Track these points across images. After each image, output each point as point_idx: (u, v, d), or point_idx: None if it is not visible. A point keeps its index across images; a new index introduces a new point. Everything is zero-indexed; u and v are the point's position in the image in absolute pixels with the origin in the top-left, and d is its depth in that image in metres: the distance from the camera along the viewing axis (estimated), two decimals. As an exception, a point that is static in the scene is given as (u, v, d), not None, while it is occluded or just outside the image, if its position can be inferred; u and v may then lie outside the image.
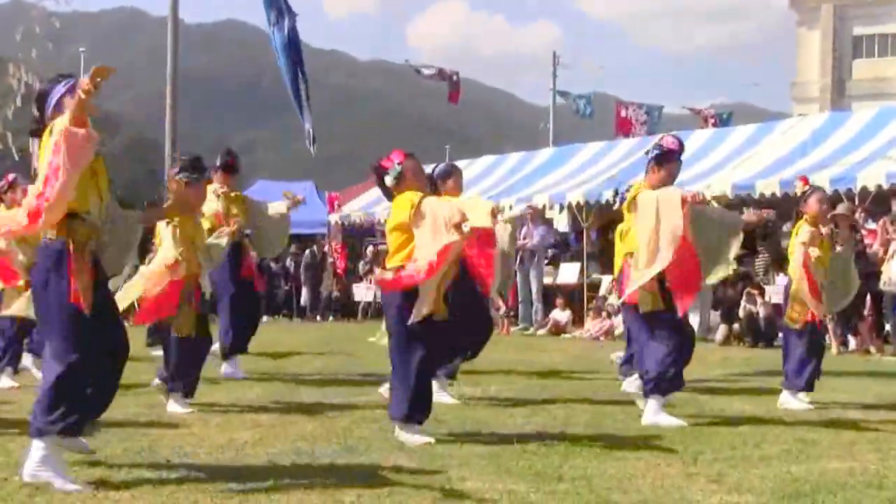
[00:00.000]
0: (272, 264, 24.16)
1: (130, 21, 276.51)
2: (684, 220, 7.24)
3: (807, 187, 8.80)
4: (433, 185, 8.68)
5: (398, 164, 6.75)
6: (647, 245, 7.30)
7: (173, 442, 6.37)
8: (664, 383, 7.33)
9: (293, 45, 17.55)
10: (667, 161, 7.71)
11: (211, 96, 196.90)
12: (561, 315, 18.36)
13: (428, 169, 7.42)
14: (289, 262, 24.59)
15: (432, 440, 6.42)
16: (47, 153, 5.08)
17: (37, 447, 5.13)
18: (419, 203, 6.48)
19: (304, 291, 23.89)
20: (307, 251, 24.44)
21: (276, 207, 10.51)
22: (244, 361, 10.67)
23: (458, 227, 6.27)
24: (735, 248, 7.62)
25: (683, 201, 7.27)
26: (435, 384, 8.13)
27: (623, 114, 37.59)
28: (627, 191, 7.85)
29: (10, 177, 10.21)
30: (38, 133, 5.44)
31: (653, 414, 7.31)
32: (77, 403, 5.15)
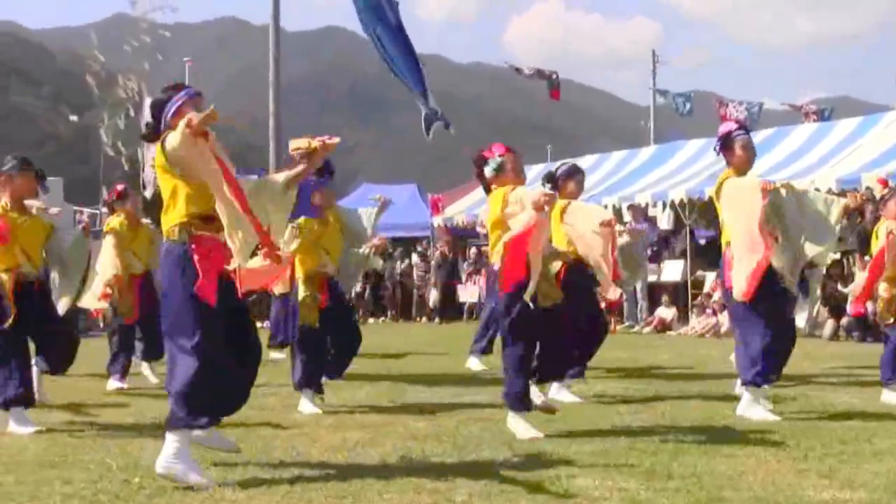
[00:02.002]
0: (379, 265, 24.43)
1: (232, 30, 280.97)
2: (762, 210, 7.14)
3: (886, 190, 8.61)
4: (554, 185, 8.83)
5: (499, 155, 6.85)
6: (741, 234, 7.25)
7: (286, 442, 6.50)
8: (758, 376, 7.29)
9: (403, 34, 17.64)
10: (729, 144, 7.59)
11: (312, 102, 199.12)
12: (666, 312, 18.26)
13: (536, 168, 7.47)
14: (398, 265, 24.74)
15: (541, 435, 6.48)
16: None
17: (170, 440, 5.27)
18: (508, 194, 6.54)
19: (434, 293, 23.74)
20: (414, 254, 24.61)
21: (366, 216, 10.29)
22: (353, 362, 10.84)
23: (538, 205, 6.20)
24: (837, 218, 7.47)
25: (763, 191, 7.18)
26: (555, 385, 8.25)
27: (723, 112, 37.12)
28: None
29: (120, 187, 10.53)
30: (151, 139, 5.67)
31: (746, 406, 7.29)
32: (210, 398, 5.30)
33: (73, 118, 79.49)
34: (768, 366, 7.31)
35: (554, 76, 37.87)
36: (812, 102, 43.20)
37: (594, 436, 6.62)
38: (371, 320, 24.21)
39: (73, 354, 7.88)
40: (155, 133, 5.62)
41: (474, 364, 11.40)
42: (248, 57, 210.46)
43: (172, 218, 5.43)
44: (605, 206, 20.65)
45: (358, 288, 24.80)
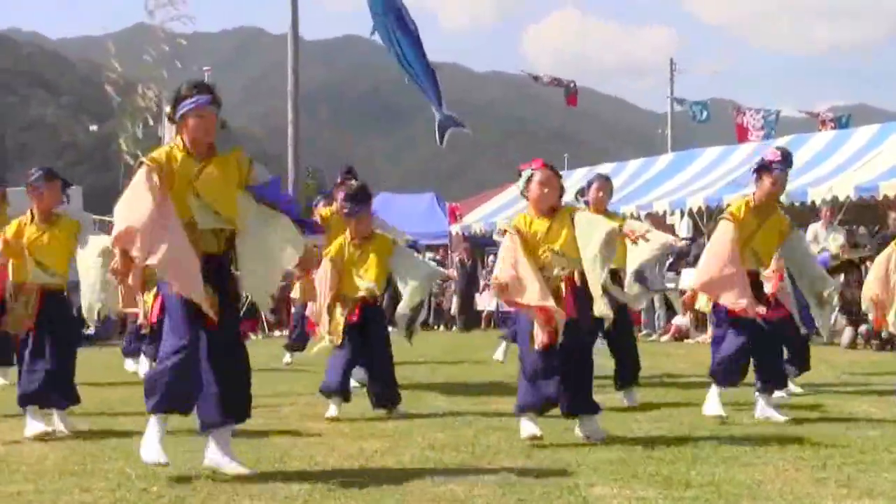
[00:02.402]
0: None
1: (251, 39, 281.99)
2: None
3: None
4: (580, 193, 9.08)
5: (531, 169, 6.90)
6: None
7: (304, 451, 6.51)
8: (719, 375, 7.68)
9: (419, 42, 17.73)
10: (768, 172, 7.70)
11: (330, 110, 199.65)
12: (683, 321, 18.22)
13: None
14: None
15: (538, 433, 6.65)
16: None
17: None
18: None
19: (453, 301, 23.74)
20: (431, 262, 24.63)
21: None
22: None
23: None
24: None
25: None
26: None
27: (740, 120, 37.07)
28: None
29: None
30: (171, 120, 6.04)
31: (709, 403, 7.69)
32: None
33: (93, 127, 79.94)
34: (728, 369, 7.65)
35: (571, 84, 37.93)
36: (829, 110, 43.03)
37: (612, 444, 6.62)
38: (389, 328, 24.22)
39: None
40: (170, 121, 6.03)
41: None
42: (266, 65, 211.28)
43: None
44: (623, 216, 20.67)
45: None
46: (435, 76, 17.22)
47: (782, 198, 16.93)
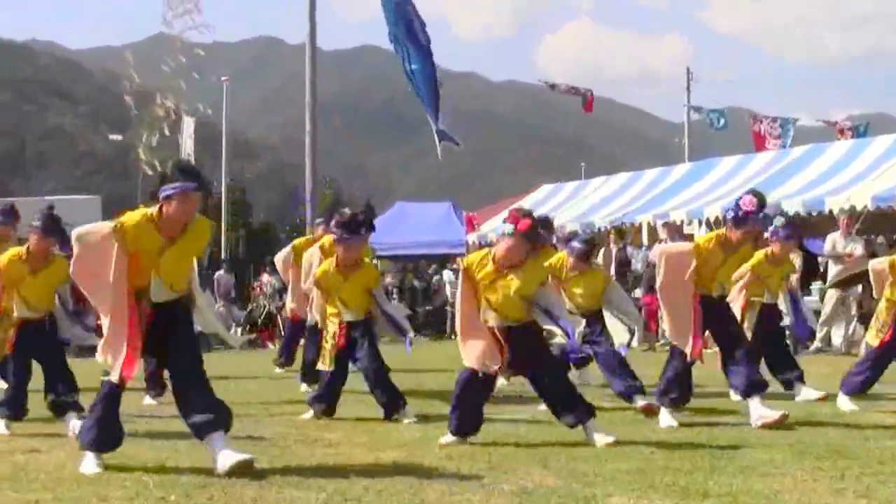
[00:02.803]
0: (416, 283, 24.51)
1: (268, 49, 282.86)
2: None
3: None
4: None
5: (514, 228, 7.07)
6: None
7: (321, 461, 6.52)
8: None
9: (429, 54, 17.79)
10: (744, 223, 7.99)
11: (347, 120, 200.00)
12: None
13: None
14: (435, 281, 24.78)
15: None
16: None
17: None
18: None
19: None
20: (447, 270, 24.65)
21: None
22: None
23: None
24: None
25: None
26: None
27: (757, 128, 36.98)
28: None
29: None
30: (151, 197, 6.33)
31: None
32: None
33: (112, 136, 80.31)
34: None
35: (588, 93, 37.94)
36: (847, 119, 42.86)
37: (630, 454, 6.61)
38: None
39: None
40: (152, 197, 6.29)
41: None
42: (284, 75, 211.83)
43: None
44: (640, 224, 20.66)
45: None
46: (437, 90, 17.29)
47: (799, 207, 16.94)
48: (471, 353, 7.12)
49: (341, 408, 8.75)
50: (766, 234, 9.79)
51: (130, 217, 6.17)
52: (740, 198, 8.08)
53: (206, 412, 6.13)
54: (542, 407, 8.96)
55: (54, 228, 8.03)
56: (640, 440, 7.17)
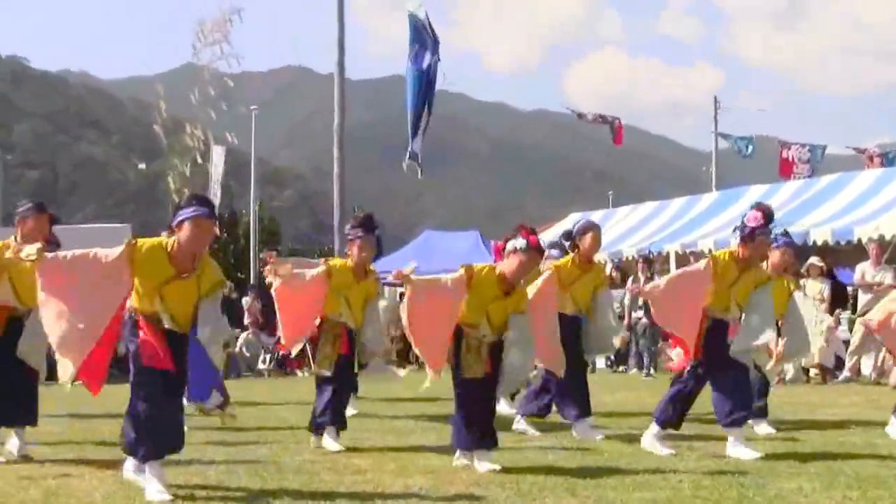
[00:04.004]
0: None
1: (297, 79, 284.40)
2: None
3: None
4: (572, 242, 9.26)
5: (523, 243, 7.16)
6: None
7: (349, 488, 6.52)
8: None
9: (428, 81, 17.97)
10: (751, 240, 7.93)
11: (376, 150, 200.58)
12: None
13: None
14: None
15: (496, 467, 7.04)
16: None
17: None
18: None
19: None
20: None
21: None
22: (418, 407, 10.92)
23: None
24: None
25: None
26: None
27: (785, 154, 36.84)
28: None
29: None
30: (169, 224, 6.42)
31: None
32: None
33: (142, 166, 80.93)
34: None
35: (616, 121, 37.95)
36: (877, 146, 42.59)
37: (657, 483, 6.59)
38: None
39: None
40: (168, 228, 6.44)
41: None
42: (312, 105, 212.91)
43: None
44: (667, 253, 20.65)
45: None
46: (422, 113, 17.55)
47: (828, 236, 16.89)
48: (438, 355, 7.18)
49: (370, 434, 8.75)
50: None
51: (146, 242, 6.29)
52: (746, 213, 8.02)
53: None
54: (574, 433, 9.04)
55: (45, 208, 8.23)
56: (668, 469, 7.16)
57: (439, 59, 17.96)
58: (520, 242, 7.11)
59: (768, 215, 7.95)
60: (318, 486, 6.57)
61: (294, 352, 8.80)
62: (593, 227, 9.55)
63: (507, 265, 7.18)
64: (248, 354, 20.87)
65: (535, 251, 7.12)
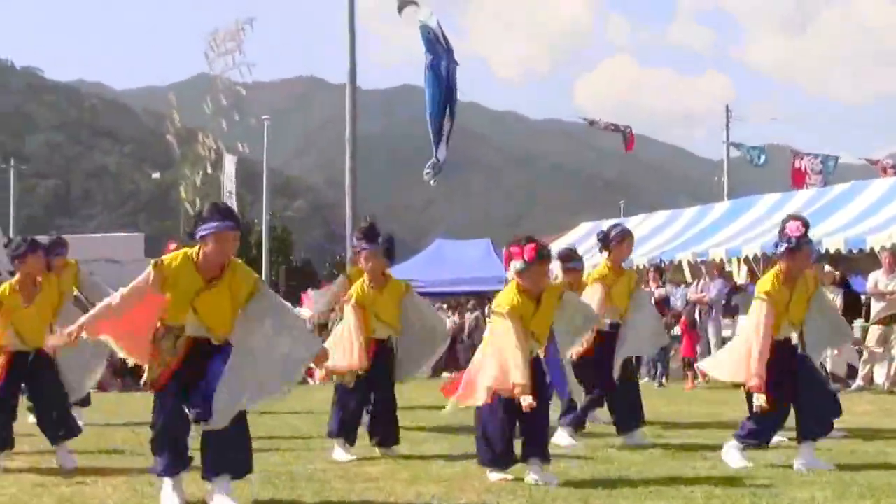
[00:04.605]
0: (454, 320, 24.54)
1: (309, 89, 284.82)
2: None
3: None
4: (606, 245, 9.25)
5: (525, 261, 7.11)
6: None
7: (361, 496, 6.56)
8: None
9: (448, 87, 17.98)
10: (798, 250, 7.76)
11: (388, 160, 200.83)
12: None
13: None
14: (473, 318, 24.83)
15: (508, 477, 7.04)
16: None
17: None
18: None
19: None
20: (488, 307, 24.66)
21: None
22: (430, 416, 10.93)
23: None
24: None
25: None
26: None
27: (797, 164, 36.82)
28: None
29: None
30: (187, 239, 6.39)
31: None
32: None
33: (156, 175, 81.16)
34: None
35: (627, 129, 37.97)
36: (889, 156, 42.54)
37: (670, 492, 6.59)
38: (444, 374, 24.28)
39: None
40: (189, 237, 6.30)
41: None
42: (324, 114, 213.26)
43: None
44: (679, 262, 20.65)
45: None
46: (444, 123, 17.58)
47: (841, 245, 16.88)
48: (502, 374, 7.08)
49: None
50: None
51: (173, 258, 6.25)
52: (785, 227, 7.92)
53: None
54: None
55: (39, 245, 8.43)
56: (680, 478, 7.16)
57: (457, 64, 17.97)
58: (517, 265, 7.13)
59: (806, 224, 7.88)
60: (330, 494, 6.59)
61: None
62: (631, 234, 9.68)
63: (524, 281, 7.17)
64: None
65: (535, 264, 7.10)
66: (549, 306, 7.25)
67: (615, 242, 9.48)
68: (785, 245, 7.74)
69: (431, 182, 17.77)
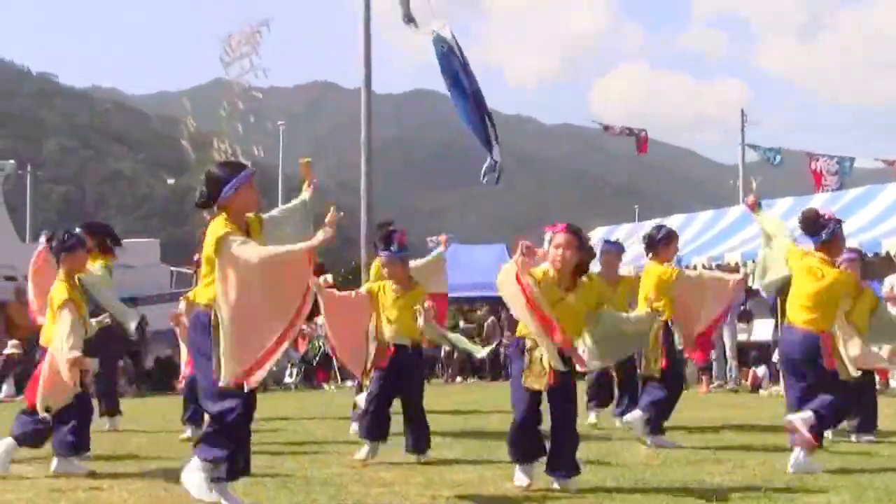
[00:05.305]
0: (463, 324, 24.55)
1: (323, 93, 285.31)
2: None
3: None
4: (653, 247, 9.37)
5: (552, 232, 7.03)
6: None
7: (377, 500, 6.57)
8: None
9: (477, 103, 17.97)
10: (835, 235, 8.19)
11: (401, 164, 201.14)
12: (760, 372, 18.11)
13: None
14: (490, 322, 24.84)
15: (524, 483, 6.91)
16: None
17: None
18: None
19: None
20: (503, 311, 24.65)
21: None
22: (445, 420, 10.94)
23: None
24: None
25: None
26: None
27: (814, 166, 36.70)
28: None
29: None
30: (203, 206, 6.11)
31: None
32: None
33: (171, 181, 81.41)
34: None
35: (642, 133, 37.90)
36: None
37: (686, 496, 6.58)
38: (459, 379, 24.30)
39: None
40: (207, 201, 6.06)
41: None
42: (338, 119, 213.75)
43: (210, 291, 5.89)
44: (694, 266, 20.60)
45: (447, 347, 24.94)
46: (488, 126, 17.52)
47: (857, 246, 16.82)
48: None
49: (397, 447, 8.73)
50: None
51: (222, 225, 5.89)
52: (821, 219, 8.03)
53: None
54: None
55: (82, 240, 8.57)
56: (696, 482, 7.15)
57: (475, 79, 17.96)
58: (547, 236, 7.02)
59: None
60: (346, 498, 6.59)
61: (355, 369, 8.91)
62: (676, 234, 9.97)
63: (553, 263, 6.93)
64: (274, 369, 20.95)
65: (557, 238, 6.95)
66: (580, 301, 6.97)
67: (663, 243, 9.71)
68: (826, 233, 8.19)
69: (495, 184, 17.75)
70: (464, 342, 9.33)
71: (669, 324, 9.58)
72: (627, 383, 10.97)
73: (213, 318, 5.80)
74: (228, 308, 5.68)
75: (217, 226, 5.87)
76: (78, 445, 8.08)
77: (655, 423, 9.39)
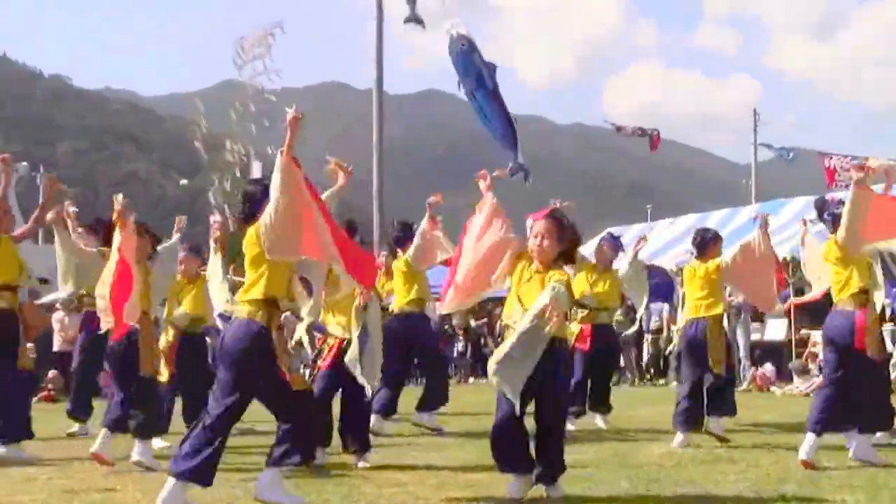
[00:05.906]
0: (472, 323, 24.55)
1: (334, 94, 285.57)
2: None
3: None
4: (702, 248, 9.40)
5: (532, 219, 6.86)
6: None
7: (390, 501, 6.57)
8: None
9: (498, 96, 17.95)
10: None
11: (410, 165, 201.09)
12: (768, 371, 18.07)
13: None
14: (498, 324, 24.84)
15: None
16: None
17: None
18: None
19: None
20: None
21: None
22: (460, 422, 10.92)
23: None
24: None
25: None
26: None
27: (828, 164, 36.62)
28: None
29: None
30: (247, 222, 6.46)
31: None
32: None
33: (184, 182, 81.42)
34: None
35: (655, 133, 37.82)
36: (920, 157, 42.19)
37: (700, 496, 6.57)
38: (472, 380, 24.27)
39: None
40: (251, 218, 6.39)
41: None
42: (349, 120, 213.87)
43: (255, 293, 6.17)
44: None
45: (460, 347, 24.94)
46: (514, 129, 17.46)
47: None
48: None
49: (411, 448, 8.74)
50: None
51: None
52: (825, 204, 8.19)
53: None
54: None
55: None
56: (709, 482, 7.13)
57: (496, 66, 17.92)
58: (528, 222, 6.85)
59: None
60: (359, 498, 6.59)
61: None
62: (721, 236, 10.47)
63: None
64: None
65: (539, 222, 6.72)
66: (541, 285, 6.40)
67: (711, 243, 10.21)
68: (831, 217, 8.48)
69: (525, 181, 17.79)
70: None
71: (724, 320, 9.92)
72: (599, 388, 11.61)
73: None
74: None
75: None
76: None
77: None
